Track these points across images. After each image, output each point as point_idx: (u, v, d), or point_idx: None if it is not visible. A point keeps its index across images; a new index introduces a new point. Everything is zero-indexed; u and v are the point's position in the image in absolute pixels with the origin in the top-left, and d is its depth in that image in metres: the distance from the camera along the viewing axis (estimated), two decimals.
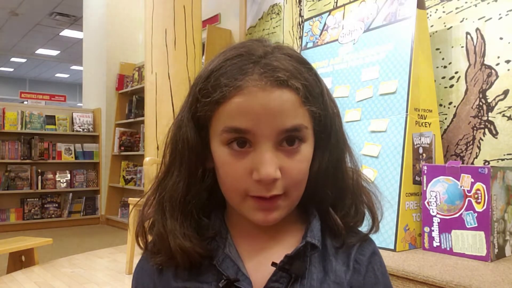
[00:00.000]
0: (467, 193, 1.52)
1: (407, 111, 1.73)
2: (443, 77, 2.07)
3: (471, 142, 1.95)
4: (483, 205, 1.48)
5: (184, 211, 0.54)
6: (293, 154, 0.50)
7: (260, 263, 0.53)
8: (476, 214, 1.50)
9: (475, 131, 1.94)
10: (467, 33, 1.99)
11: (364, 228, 0.59)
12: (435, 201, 1.61)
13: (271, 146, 0.49)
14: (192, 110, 0.53)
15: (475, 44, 1.97)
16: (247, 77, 0.49)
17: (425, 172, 1.65)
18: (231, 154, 0.50)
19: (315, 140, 0.54)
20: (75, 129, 5.06)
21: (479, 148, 1.93)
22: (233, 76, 0.49)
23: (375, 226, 0.58)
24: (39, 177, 4.77)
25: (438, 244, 1.60)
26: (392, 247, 1.62)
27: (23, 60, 11.60)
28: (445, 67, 2.07)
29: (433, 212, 1.62)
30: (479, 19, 1.96)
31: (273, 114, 0.48)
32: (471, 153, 1.95)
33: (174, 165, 0.55)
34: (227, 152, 0.50)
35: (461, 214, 1.54)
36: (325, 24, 2.30)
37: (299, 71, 0.50)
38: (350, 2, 2.19)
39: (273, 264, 0.51)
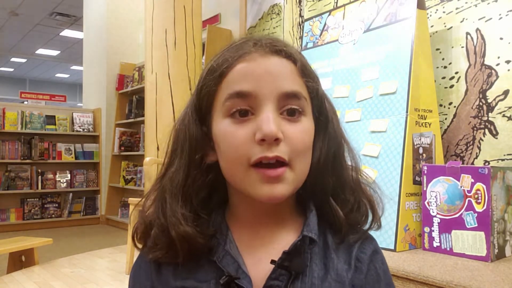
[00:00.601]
0: (467, 193, 1.52)
1: (407, 111, 1.73)
2: (443, 77, 2.07)
3: (471, 142, 1.95)
4: (483, 205, 1.48)
5: (184, 197, 0.54)
6: (295, 122, 0.52)
7: (259, 260, 0.53)
8: (476, 214, 1.50)
9: (475, 131, 1.94)
10: (467, 33, 1.99)
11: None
12: (435, 201, 1.61)
13: (272, 108, 0.51)
14: (197, 93, 0.56)
15: (475, 44, 1.97)
16: (248, 45, 0.53)
17: (425, 172, 1.65)
18: (233, 122, 0.51)
19: (315, 125, 0.55)
20: (75, 129, 5.06)
21: (479, 148, 1.93)
22: (235, 49, 0.54)
23: (376, 223, 0.58)
24: (39, 177, 4.77)
25: (438, 244, 1.60)
26: (392, 247, 1.62)
27: (23, 60, 11.60)
28: (445, 67, 2.07)
29: (433, 212, 1.62)
30: (479, 19, 1.96)
31: (273, 76, 0.51)
32: (471, 153, 1.95)
33: (175, 156, 0.56)
34: (229, 122, 0.51)
35: (461, 214, 1.54)
36: (325, 24, 2.30)
37: (295, 50, 0.55)
38: (350, 2, 2.20)
39: (272, 261, 0.51)
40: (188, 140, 0.55)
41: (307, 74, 0.54)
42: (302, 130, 0.52)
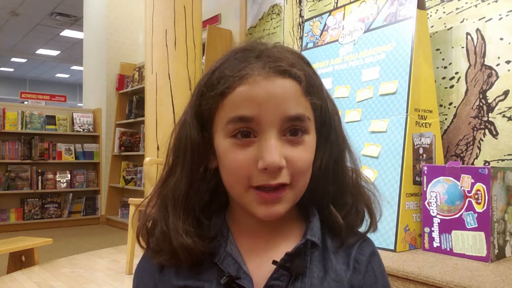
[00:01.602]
0: (467, 194, 1.52)
1: (407, 112, 1.73)
2: (443, 78, 2.07)
3: (471, 142, 1.95)
4: (483, 206, 1.48)
5: (186, 208, 0.54)
6: (297, 143, 0.51)
7: (261, 261, 0.54)
8: (476, 215, 1.50)
9: (475, 132, 1.94)
10: (468, 34, 1.99)
11: (362, 227, 0.59)
12: (435, 202, 1.61)
13: (275, 134, 0.50)
14: (196, 106, 0.54)
15: (475, 44, 1.97)
16: (250, 65, 0.51)
17: (425, 172, 1.65)
18: (236, 143, 0.51)
19: (317, 136, 0.55)
20: (75, 129, 5.06)
21: (479, 148, 1.93)
22: (236, 67, 0.51)
23: (373, 225, 0.59)
24: (39, 177, 4.77)
25: (438, 244, 1.60)
26: (392, 248, 1.62)
27: (23, 60, 11.60)
28: (445, 67, 2.07)
29: (433, 212, 1.62)
30: (479, 19, 1.96)
31: (277, 101, 0.49)
32: (471, 153, 1.95)
33: (177, 164, 0.56)
34: (232, 143, 0.51)
35: (461, 214, 1.54)
36: (325, 24, 2.30)
37: (299, 63, 0.53)
38: (350, 3, 2.20)
39: (274, 262, 0.51)
40: (190, 148, 0.54)
41: (311, 92, 0.53)
42: (305, 149, 0.52)
